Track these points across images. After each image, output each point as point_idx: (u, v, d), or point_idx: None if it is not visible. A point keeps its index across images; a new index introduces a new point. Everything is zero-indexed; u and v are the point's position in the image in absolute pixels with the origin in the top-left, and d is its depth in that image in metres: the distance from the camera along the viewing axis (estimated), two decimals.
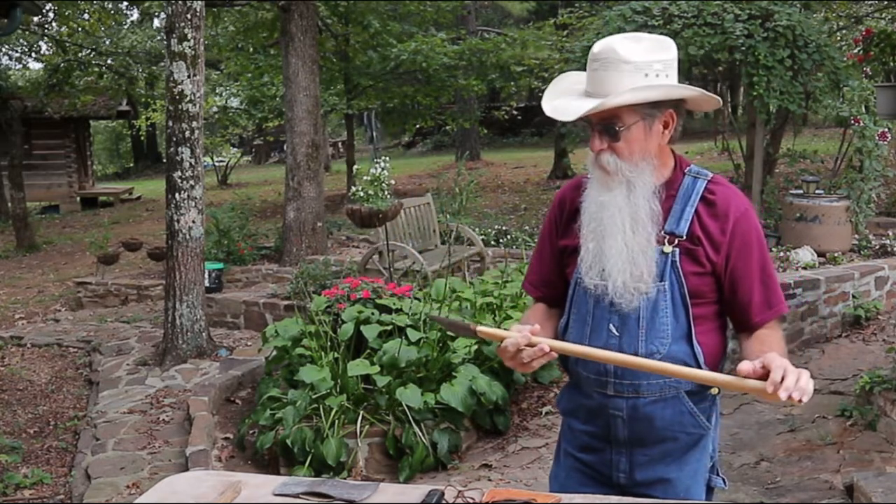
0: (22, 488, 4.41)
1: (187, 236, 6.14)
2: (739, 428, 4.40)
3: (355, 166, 11.17)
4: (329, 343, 4.93)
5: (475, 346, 4.82)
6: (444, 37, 13.45)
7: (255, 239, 9.87)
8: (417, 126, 18.82)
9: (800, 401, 1.50)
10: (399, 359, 4.63)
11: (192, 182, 6.13)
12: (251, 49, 14.34)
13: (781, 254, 6.55)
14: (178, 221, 6.12)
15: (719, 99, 1.87)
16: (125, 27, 19.36)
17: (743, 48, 6.88)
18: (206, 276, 6.85)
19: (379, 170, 6.12)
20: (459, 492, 1.73)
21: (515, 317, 5.23)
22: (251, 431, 4.79)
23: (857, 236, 6.94)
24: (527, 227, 9.63)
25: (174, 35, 6.06)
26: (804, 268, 6.18)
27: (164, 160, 7.45)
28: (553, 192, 2.18)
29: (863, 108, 6.78)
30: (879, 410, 4.10)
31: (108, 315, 8.42)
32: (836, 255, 6.60)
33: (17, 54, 19.40)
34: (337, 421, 4.44)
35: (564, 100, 1.83)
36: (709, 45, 6.96)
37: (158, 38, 17.83)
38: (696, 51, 6.98)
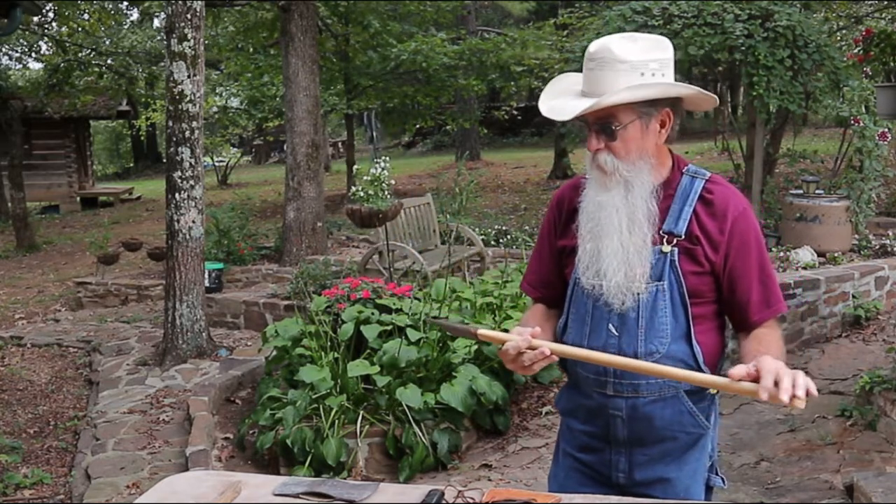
0: (22, 488, 4.41)
1: (187, 236, 6.14)
2: (739, 428, 4.40)
3: (355, 166, 11.17)
4: (329, 343, 4.93)
5: (475, 346, 4.82)
6: (444, 37, 13.45)
7: (255, 239, 9.87)
8: (417, 126, 18.83)
9: (804, 397, 1.48)
10: (399, 359, 4.63)
11: (192, 182, 6.13)
12: (251, 49, 14.33)
13: (781, 254, 6.55)
14: (178, 221, 6.13)
15: (716, 97, 1.87)
16: (125, 27, 19.36)
17: (743, 48, 6.88)
18: (206, 276, 6.85)
19: (379, 170, 6.12)
20: (459, 492, 1.73)
21: (515, 317, 5.23)
22: (251, 431, 4.79)
23: (857, 236, 6.94)
24: (527, 227, 9.63)
25: (174, 35, 6.06)
26: (804, 268, 6.18)
27: (164, 160, 7.45)
28: (553, 192, 2.18)
29: (863, 108, 6.78)
30: (879, 410, 4.10)
31: (108, 315, 8.42)
32: (836, 255, 6.60)
33: (17, 54, 19.41)
34: (337, 421, 4.44)
35: (561, 100, 1.83)
36: (709, 45, 6.96)
37: (158, 38, 17.83)
38: (696, 51, 6.98)
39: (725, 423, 4.37)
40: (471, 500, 1.71)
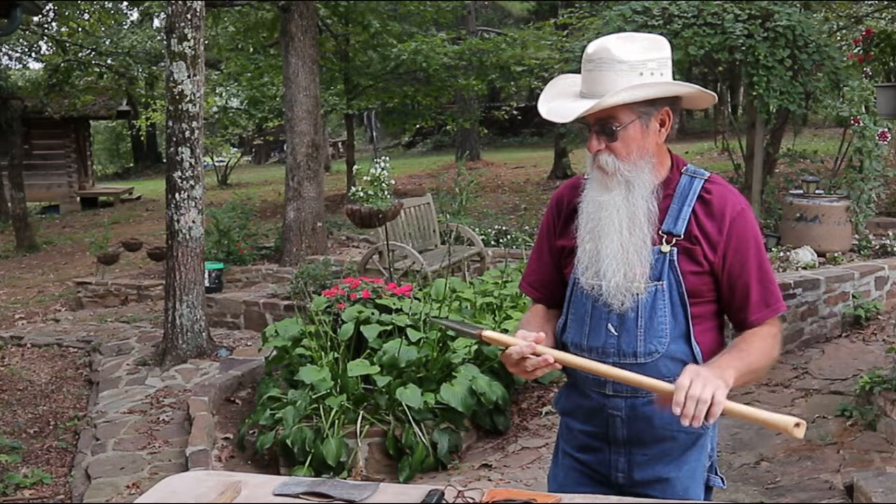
0: (22, 488, 4.41)
1: (187, 236, 6.14)
2: (739, 428, 4.40)
3: (355, 166, 11.16)
4: (329, 343, 4.93)
5: (475, 346, 4.82)
6: (444, 37, 13.45)
7: (255, 239, 9.88)
8: (417, 126, 18.80)
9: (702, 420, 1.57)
10: (399, 359, 4.63)
11: (192, 182, 6.13)
12: (251, 49, 14.34)
13: (781, 254, 6.55)
14: (178, 221, 6.13)
15: (714, 95, 1.87)
16: (125, 27, 19.34)
17: (743, 48, 6.88)
18: (206, 276, 6.85)
19: (379, 170, 6.12)
20: (459, 492, 1.73)
21: (515, 317, 5.23)
22: (251, 431, 4.79)
23: (857, 236, 6.94)
24: (527, 227, 9.63)
25: (174, 35, 6.06)
26: (804, 268, 6.18)
27: (164, 160, 7.45)
28: (553, 192, 2.17)
29: (863, 108, 6.78)
30: (879, 410, 4.10)
31: (108, 315, 8.42)
32: (836, 255, 6.60)
33: (17, 54, 19.41)
34: (337, 421, 4.44)
35: (560, 102, 1.83)
36: (709, 45, 6.95)
37: (158, 38, 17.80)
38: (696, 51, 6.98)
39: (725, 422, 4.37)
40: (471, 500, 1.71)
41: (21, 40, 18.27)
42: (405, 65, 12.60)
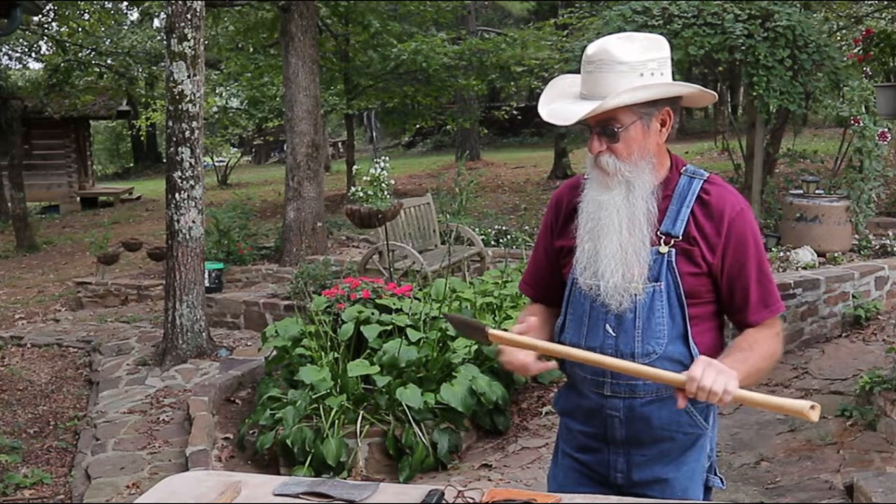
0: (22, 488, 4.41)
1: (187, 236, 6.14)
2: (739, 428, 4.40)
3: (355, 166, 11.17)
4: (329, 343, 4.93)
5: (475, 346, 4.82)
6: (444, 37, 13.45)
7: (255, 239, 9.88)
8: (417, 126, 18.81)
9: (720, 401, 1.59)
10: (399, 359, 4.63)
11: (192, 182, 6.13)
12: (251, 49, 14.34)
13: (781, 254, 6.55)
14: (178, 221, 6.13)
15: (715, 94, 1.87)
16: (125, 27, 19.34)
17: (743, 48, 6.88)
18: (206, 276, 6.85)
19: (378, 170, 6.12)
20: (459, 492, 1.73)
21: (515, 316, 5.23)
22: (251, 431, 4.79)
23: (857, 236, 6.94)
24: (527, 227, 9.63)
25: (174, 35, 6.06)
26: (804, 268, 6.18)
27: (164, 160, 7.45)
28: (553, 192, 2.17)
29: (863, 108, 6.78)
30: (879, 410, 4.10)
31: (108, 315, 8.42)
32: (836, 255, 6.60)
33: (17, 54, 19.40)
34: (337, 421, 4.44)
35: (560, 103, 1.82)
36: (709, 45, 6.96)
37: (158, 38, 17.80)
38: (696, 51, 6.98)
39: (725, 423, 4.38)
40: (471, 500, 1.71)
41: (21, 40, 18.27)
42: (405, 65, 12.60)
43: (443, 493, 1.72)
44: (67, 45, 16.64)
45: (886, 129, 6.83)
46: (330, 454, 4.26)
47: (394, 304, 5.16)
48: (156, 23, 21.07)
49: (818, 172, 8.40)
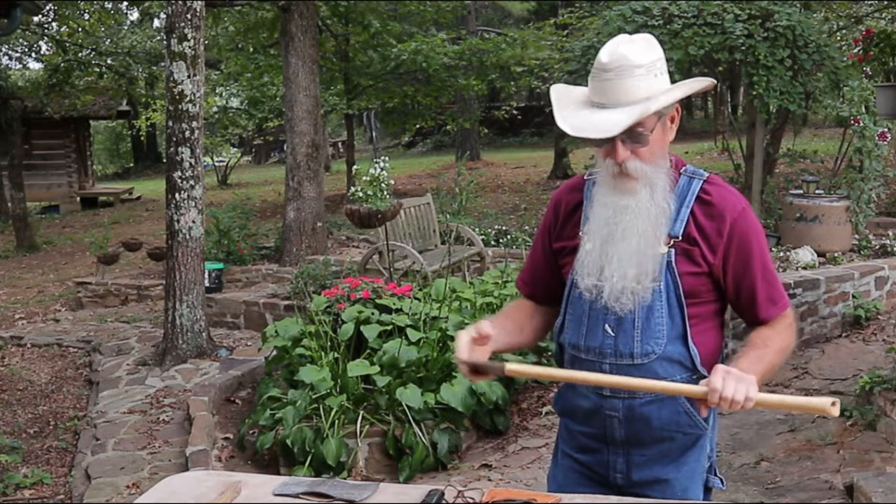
0: (22, 488, 4.41)
1: (187, 236, 6.14)
2: (739, 428, 4.40)
3: (355, 166, 11.18)
4: (329, 343, 4.93)
5: None
6: (444, 37, 13.44)
7: (255, 239, 9.87)
8: (417, 126, 18.80)
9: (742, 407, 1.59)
10: (399, 359, 4.63)
11: (192, 182, 6.13)
12: (251, 49, 14.33)
13: (781, 254, 6.55)
14: (178, 221, 6.13)
15: (713, 80, 1.89)
16: (125, 27, 19.35)
17: (743, 48, 6.88)
18: (206, 276, 6.85)
19: (378, 170, 6.12)
20: (459, 492, 1.73)
21: None
22: (251, 431, 4.79)
23: (857, 236, 6.94)
24: (527, 227, 9.63)
25: (174, 35, 6.06)
26: (804, 268, 6.18)
27: (164, 160, 7.45)
28: (553, 192, 2.17)
29: (863, 108, 6.78)
30: (879, 410, 4.10)
31: (108, 315, 8.42)
32: (836, 255, 6.60)
33: (17, 54, 19.40)
34: (337, 421, 4.44)
35: (578, 114, 1.78)
36: (709, 45, 6.95)
37: (158, 38, 17.81)
38: (696, 51, 6.97)
39: (725, 423, 4.37)
40: (471, 500, 1.71)
41: (21, 40, 18.27)
42: (405, 65, 12.60)
43: (443, 493, 1.72)
44: (67, 45, 16.64)
45: (886, 129, 6.83)
46: (330, 454, 4.26)
47: (394, 304, 5.16)
48: (156, 23, 21.09)
49: (818, 172, 8.40)
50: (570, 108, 1.80)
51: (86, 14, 16.19)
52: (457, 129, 18.52)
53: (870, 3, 11.60)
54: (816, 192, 6.94)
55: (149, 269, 9.91)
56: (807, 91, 7.14)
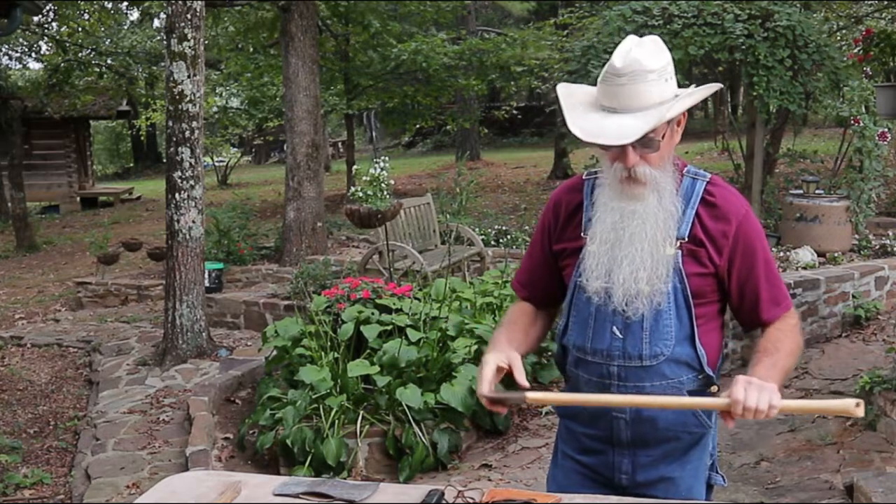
0: (22, 488, 4.41)
1: (187, 236, 6.14)
2: (739, 428, 4.40)
3: (355, 166, 11.17)
4: (329, 343, 4.92)
5: (475, 347, 4.81)
6: (444, 37, 13.44)
7: (255, 239, 9.87)
8: (417, 126, 18.80)
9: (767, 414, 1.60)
10: (399, 359, 4.63)
11: (192, 182, 6.13)
12: (251, 49, 14.33)
13: (781, 254, 6.55)
14: (178, 221, 6.13)
15: (720, 86, 1.89)
16: (125, 27, 19.35)
17: (743, 48, 6.88)
18: (206, 276, 6.85)
19: (378, 170, 6.12)
20: (459, 492, 1.73)
21: None
22: (251, 431, 4.79)
23: (857, 236, 6.94)
24: (527, 227, 9.63)
25: (174, 35, 6.06)
26: (804, 268, 6.18)
27: (164, 160, 7.45)
28: (551, 193, 2.15)
29: (863, 108, 6.78)
30: (879, 410, 4.10)
31: (108, 315, 8.42)
32: (836, 255, 6.60)
33: (17, 54, 19.40)
34: (337, 421, 4.44)
35: (588, 118, 1.76)
36: (709, 45, 6.96)
37: (158, 38, 17.81)
38: (696, 51, 6.98)
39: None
40: (471, 500, 1.71)
41: (21, 40, 18.27)
42: (405, 65, 12.60)
43: (443, 493, 1.72)
44: (67, 45, 16.63)
45: (886, 129, 6.84)
46: (330, 454, 4.26)
47: (394, 304, 5.16)
48: (156, 23, 21.09)
49: (818, 172, 8.40)
50: (580, 110, 1.79)
51: (86, 14, 16.18)
52: (457, 129, 18.52)
53: (870, 3, 11.60)
54: (816, 192, 6.94)
55: (149, 269, 9.91)
56: (807, 91, 7.14)
